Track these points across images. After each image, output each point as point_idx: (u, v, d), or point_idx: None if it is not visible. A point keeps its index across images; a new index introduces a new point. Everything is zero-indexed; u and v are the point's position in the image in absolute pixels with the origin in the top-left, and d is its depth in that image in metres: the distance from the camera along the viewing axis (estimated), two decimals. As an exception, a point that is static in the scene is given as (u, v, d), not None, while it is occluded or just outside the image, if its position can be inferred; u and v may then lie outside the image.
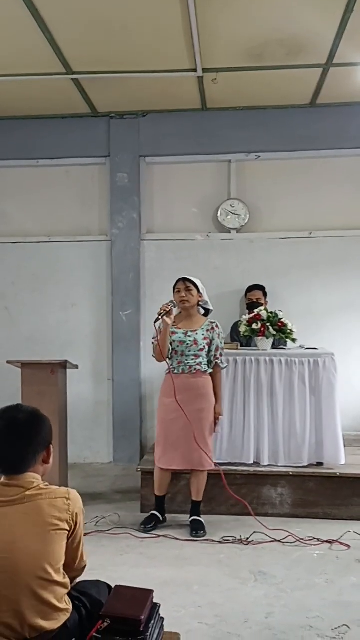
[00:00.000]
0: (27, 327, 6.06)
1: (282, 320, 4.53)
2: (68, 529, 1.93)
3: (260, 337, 4.54)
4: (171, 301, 3.99)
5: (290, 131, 5.76)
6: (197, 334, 4.06)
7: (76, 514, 1.96)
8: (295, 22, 4.17)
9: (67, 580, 1.96)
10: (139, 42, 4.43)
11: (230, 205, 5.86)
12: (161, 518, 4.16)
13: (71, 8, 3.98)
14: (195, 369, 4.05)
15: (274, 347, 4.67)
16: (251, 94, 5.46)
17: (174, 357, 4.04)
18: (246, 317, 4.65)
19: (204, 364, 4.08)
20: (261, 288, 5.58)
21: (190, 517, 4.11)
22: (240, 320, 4.79)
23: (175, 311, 4.06)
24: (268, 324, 4.51)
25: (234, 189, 5.94)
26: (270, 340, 4.58)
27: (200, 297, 4.11)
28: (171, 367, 4.06)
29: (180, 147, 5.88)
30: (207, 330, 4.10)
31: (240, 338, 5.03)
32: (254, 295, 5.52)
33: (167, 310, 3.89)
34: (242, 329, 4.63)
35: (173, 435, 4.02)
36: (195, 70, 4.86)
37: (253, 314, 4.60)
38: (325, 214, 5.85)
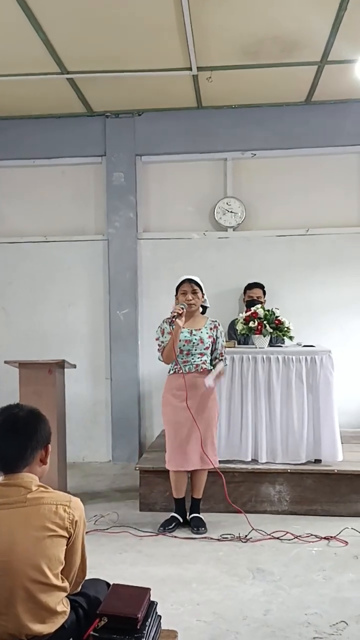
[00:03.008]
0: (24, 326, 6.06)
1: (279, 318, 4.53)
2: (67, 536, 1.91)
3: (257, 335, 4.55)
4: (182, 305, 3.99)
5: (286, 129, 5.77)
6: (201, 332, 4.08)
7: (76, 521, 1.93)
8: (290, 19, 4.17)
9: (66, 584, 1.95)
10: (134, 41, 4.44)
11: (227, 204, 5.86)
12: (181, 520, 4.14)
13: (65, 7, 3.98)
14: (201, 367, 4.06)
15: (271, 344, 4.69)
16: (246, 92, 5.46)
17: (179, 356, 4.02)
18: (243, 315, 4.66)
19: (208, 362, 4.10)
20: (261, 286, 5.57)
21: (191, 514, 4.13)
22: (237, 318, 4.80)
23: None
24: (265, 322, 4.51)
25: (230, 187, 5.94)
26: (267, 338, 4.59)
27: (203, 297, 4.14)
28: (176, 367, 4.07)
29: (176, 145, 5.89)
30: (211, 329, 4.12)
31: (238, 336, 5.03)
32: (254, 293, 5.52)
33: (180, 312, 3.91)
34: (239, 327, 4.63)
35: (183, 437, 4.02)
36: (190, 68, 4.86)
37: (250, 312, 4.61)
38: (322, 211, 5.87)
